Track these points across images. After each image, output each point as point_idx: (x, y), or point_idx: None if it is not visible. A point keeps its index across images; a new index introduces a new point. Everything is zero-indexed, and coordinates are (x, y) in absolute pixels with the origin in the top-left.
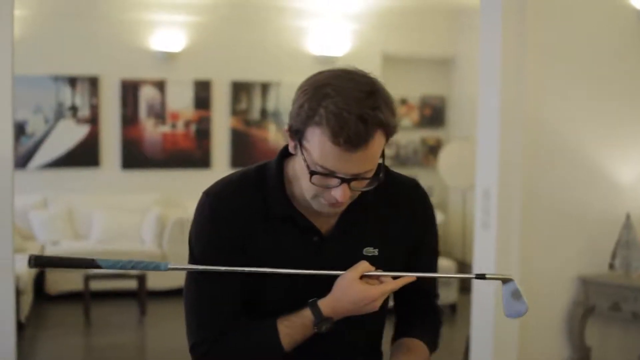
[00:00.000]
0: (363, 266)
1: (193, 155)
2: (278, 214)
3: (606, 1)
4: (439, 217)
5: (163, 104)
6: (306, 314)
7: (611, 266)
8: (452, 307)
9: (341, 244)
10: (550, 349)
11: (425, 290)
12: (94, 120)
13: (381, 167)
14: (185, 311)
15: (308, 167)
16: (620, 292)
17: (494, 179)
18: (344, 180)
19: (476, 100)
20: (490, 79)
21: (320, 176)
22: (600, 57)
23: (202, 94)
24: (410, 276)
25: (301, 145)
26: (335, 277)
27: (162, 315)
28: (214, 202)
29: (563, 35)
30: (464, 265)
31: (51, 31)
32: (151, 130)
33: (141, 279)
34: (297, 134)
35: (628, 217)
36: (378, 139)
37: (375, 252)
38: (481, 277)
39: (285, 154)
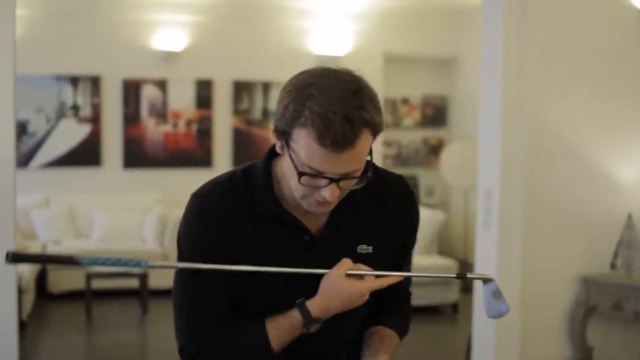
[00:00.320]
0: (347, 264)
1: (194, 154)
2: (266, 214)
3: (607, 1)
4: (441, 216)
5: (165, 103)
6: (294, 315)
7: (613, 266)
8: (454, 307)
9: (332, 243)
10: (551, 348)
11: (399, 287)
12: (95, 119)
13: (369, 165)
14: (174, 313)
15: (296, 167)
16: (621, 291)
17: (495, 179)
18: (332, 180)
19: (478, 100)
20: (492, 79)
21: (308, 177)
22: (602, 56)
23: (204, 93)
24: (397, 275)
25: (288, 146)
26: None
27: (164, 314)
28: (203, 204)
29: (564, 35)
30: (465, 265)
31: (53, 31)
32: (153, 130)
33: (143, 278)
34: (283, 135)
35: (630, 217)
36: (365, 138)
37: (370, 249)
38: (462, 276)
39: (272, 154)
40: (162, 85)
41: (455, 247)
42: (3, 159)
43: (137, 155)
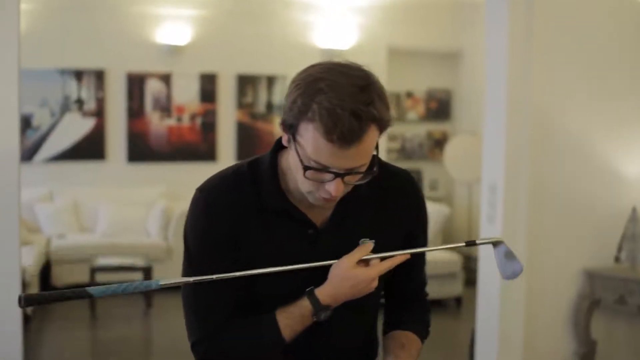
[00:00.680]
0: (361, 252)
1: (199, 148)
2: (272, 207)
3: None
4: (445, 210)
5: (169, 97)
6: (304, 304)
7: (617, 259)
8: (458, 300)
9: (336, 236)
10: (555, 342)
11: (414, 281)
12: (99, 113)
13: (375, 160)
14: (184, 310)
15: (302, 161)
16: (626, 285)
17: (500, 173)
18: (337, 175)
19: (482, 94)
20: (497, 73)
21: (314, 171)
22: (607, 51)
23: (208, 87)
24: (403, 254)
25: (295, 139)
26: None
27: (168, 308)
28: (208, 197)
29: (570, 29)
30: (469, 259)
31: (57, 25)
32: (157, 124)
33: (147, 272)
34: (290, 128)
35: (634, 210)
36: (372, 134)
37: (371, 243)
38: (471, 243)
39: (278, 147)
40: (166, 79)
41: (459, 240)
42: (7, 152)
43: (141, 149)
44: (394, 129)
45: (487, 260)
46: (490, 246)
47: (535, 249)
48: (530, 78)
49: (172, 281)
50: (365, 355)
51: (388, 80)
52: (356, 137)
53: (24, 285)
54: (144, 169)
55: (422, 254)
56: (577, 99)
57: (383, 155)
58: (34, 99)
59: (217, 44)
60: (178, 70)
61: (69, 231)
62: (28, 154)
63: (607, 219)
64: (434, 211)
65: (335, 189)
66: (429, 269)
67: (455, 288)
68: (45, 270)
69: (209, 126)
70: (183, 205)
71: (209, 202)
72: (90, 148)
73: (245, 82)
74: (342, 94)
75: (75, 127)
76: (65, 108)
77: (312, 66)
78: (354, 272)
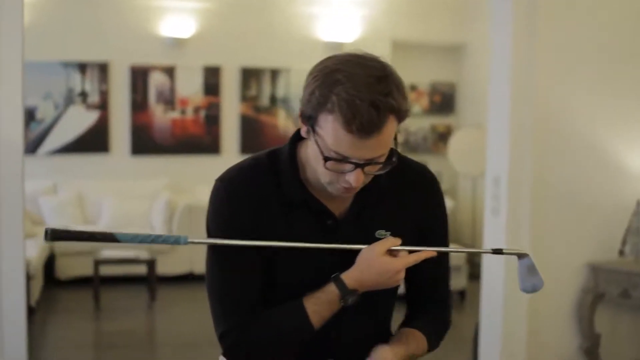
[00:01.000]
0: (391, 241)
1: (202, 141)
2: (292, 198)
3: None
4: (449, 203)
5: (172, 90)
6: (331, 289)
7: (621, 253)
8: (461, 294)
9: (355, 227)
10: (559, 336)
11: (434, 286)
12: (103, 106)
13: (394, 151)
14: (210, 301)
15: (322, 152)
16: (630, 279)
17: (504, 166)
18: (357, 166)
19: (486, 87)
20: (501, 66)
21: (334, 162)
22: (611, 44)
23: (212, 80)
24: (430, 250)
25: (314, 131)
26: (353, 254)
27: (172, 300)
28: (229, 187)
29: (574, 22)
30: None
31: (61, 17)
32: (160, 116)
33: (151, 264)
34: (309, 120)
35: (638, 204)
36: (390, 125)
37: (388, 234)
38: (498, 251)
39: (297, 139)
40: (170, 71)
41: (463, 233)
42: (11, 145)
43: (145, 141)
44: None
45: (490, 255)
46: (495, 240)
47: (539, 242)
48: (534, 71)
49: (200, 240)
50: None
51: None
52: (375, 127)
53: (28, 277)
54: (147, 162)
55: (445, 262)
56: (581, 92)
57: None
58: (37, 92)
59: (221, 37)
60: (182, 63)
61: (73, 224)
62: (32, 147)
63: (611, 212)
64: None
65: (355, 179)
66: None
67: (459, 281)
68: (49, 263)
69: (212, 119)
70: (187, 198)
71: (230, 190)
72: (94, 141)
73: (249, 75)
74: (360, 85)
75: (79, 120)
76: (69, 101)
77: (329, 58)
78: (382, 259)
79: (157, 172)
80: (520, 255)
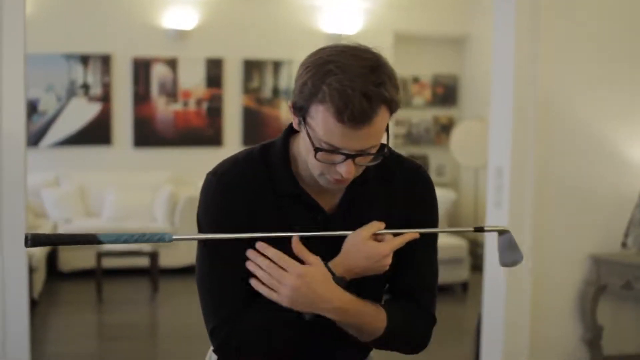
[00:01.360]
0: (376, 225)
1: (205, 133)
2: (284, 191)
3: None
4: (451, 196)
5: (175, 82)
6: None
7: (623, 245)
8: (464, 286)
9: (345, 222)
10: (561, 328)
11: (413, 278)
12: (105, 98)
13: (385, 142)
14: (200, 295)
15: (313, 143)
16: (632, 270)
17: (506, 158)
18: (348, 157)
19: (488, 79)
20: (504, 58)
21: (325, 153)
22: (615, 36)
23: (214, 72)
24: (414, 232)
25: (305, 122)
26: (342, 245)
27: (174, 292)
28: (222, 179)
29: (577, 14)
30: (475, 244)
31: (63, 9)
32: (163, 109)
33: (153, 257)
34: (300, 110)
35: None
36: (382, 115)
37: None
38: (479, 229)
39: (290, 132)
40: (172, 63)
41: (466, 226)
42: (14, 137)
43: (147, 134)
44: (400, 114)
45: (493, 246)
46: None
47: (541, 234)
48: (536, 63)
49: (184, 237)
50: (359, 349)
51: (394, 65)
52: (367, 117)
53: (31, 270)
54: (150, 154)
55: (430, 257)
56: (584, 84)
57: (389, 141)
58: (40, 84)
59: (224, 29)
60: (184, 55)
61: (75, 216)
62: (34, 139)
63: (613, 204)
64: (440, 197)
65: (346, 170)
66: None
67: (461, 273)
68: (52, 256)
69: (215, 111)
70: (189, 190)
71: (223, 183)
72: (96, 133)
73: (252, 67)
74: (352, 75)
75: (81, 112)
76: (71, 93)
77: (322, 49)
78: (368, 244)
79: (159, 165)
80: (501, 232)
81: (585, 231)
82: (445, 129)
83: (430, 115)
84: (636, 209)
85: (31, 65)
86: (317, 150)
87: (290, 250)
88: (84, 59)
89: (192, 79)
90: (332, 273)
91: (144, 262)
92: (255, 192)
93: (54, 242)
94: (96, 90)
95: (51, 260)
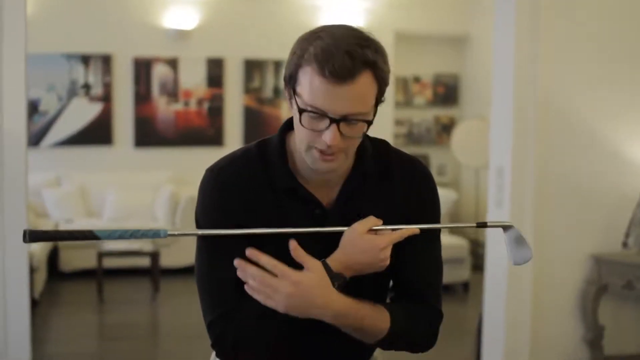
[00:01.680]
0: (373, 220)
1: (206, 133)
2: (281, 187)
3: None
4: (452, 195)
5: (176, 81)
6: None
7: (624, 245)
8: (465, 286)
9: (342, 217)
10: (563, 327)
11: (416, 277)
12: (106, 98)
13: (373, 114)
14: (199, 290)
15: (299, 109)
16: (633, 270)
17: (507, 157)
18: (332, 121)
19: (489, 79)
20: (504, 57)
21: (309, 117)
22: (615, 35)
23: (215, 71)
24: (413, 228)
25: (295, 92)
26: (339, 238)
27: (175, 292)
28: (219, 176)
29: (577, 15)
30: (476, 244)
31: (64, 9)
32: (164, 108)
33: (154, 257)
34: (290, 80)
35: None
36: (366, 78)
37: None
38: (482, 225)
39: (286, 128)
40: (173, 63)
41: None
42: (14, 137)
43: (148, 134)
44: (401, 113)
45: (494, 246)
46: (499, 232)
47: (542, 234)
48: (536, 63)
49: (181, 232)
50: (362, 348)
51: (395, 65)
52: (349, 74)
53: (32, 270)
54: (151, 154)
55: (434, 253)
56: (584, 83)
57: (390, 140)
58: (41, 84)
59: (224, 29)
60: (185, 55)
61: (76, 216)
62: (35, 139)
63: (614, 204)
64: (441, 196)
65: (331, 137)
66: None
67: (462, 273)
68: (53, 255)
69: (216, 111)
70: (190, 189)
71: (220, 180)
72: (97, 133)
73: (252, 67)
74: (338, 38)
75: (82, 112)
76: (72, 93)
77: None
78: (365, 237)
79: (160, 164)
80: (506, 227)
81: (586, 231)
82: (446, 128)
83: (431, 114)
84: (637, 209)
85: (32, 65)
86: (301, 111)
87: (287, 247)
88: (85, 59)
89: (193, 78)
90: (330, 270)
91: (144, 262)
92: (253, 189)
93: (51, 237)
94: (97, 90)
95: (52, 260)
